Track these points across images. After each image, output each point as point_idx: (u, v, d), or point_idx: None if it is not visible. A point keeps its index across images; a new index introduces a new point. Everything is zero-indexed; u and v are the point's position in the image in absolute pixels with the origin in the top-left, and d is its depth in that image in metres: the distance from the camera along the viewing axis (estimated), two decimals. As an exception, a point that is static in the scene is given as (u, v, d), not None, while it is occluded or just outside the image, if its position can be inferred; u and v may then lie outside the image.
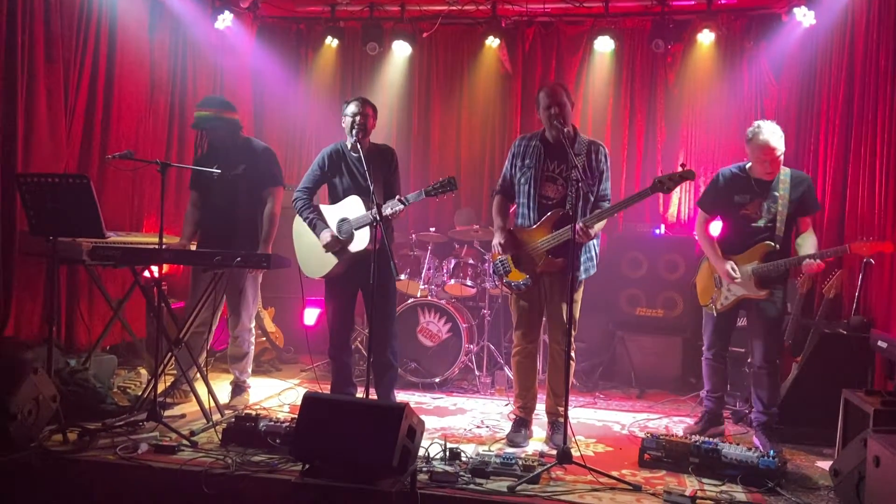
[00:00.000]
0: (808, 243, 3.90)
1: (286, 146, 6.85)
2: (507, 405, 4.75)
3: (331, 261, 4.15)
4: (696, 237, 4.25)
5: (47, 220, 3.66)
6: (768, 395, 3.99)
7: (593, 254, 4.00)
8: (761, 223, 3.96)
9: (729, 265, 3.99)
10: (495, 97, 6.68)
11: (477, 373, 5.40)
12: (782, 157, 3.92)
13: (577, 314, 3.93)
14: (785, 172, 3.96)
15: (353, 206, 4.12)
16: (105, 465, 3.30)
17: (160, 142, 5.75)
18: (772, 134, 3.87)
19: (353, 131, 4.08)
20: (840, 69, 5.20)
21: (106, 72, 5.15)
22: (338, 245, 4.10)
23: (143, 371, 5.01)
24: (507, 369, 5.32)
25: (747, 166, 4.06)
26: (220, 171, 4.18)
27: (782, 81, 5.94)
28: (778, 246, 3.90)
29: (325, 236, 4.12)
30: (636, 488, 3.21)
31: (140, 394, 4.18)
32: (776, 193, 3.93)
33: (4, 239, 4.37)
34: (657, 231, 6.07)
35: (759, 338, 3.98)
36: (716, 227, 4.27)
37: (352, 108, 4.14)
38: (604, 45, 6.29)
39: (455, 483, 3.15)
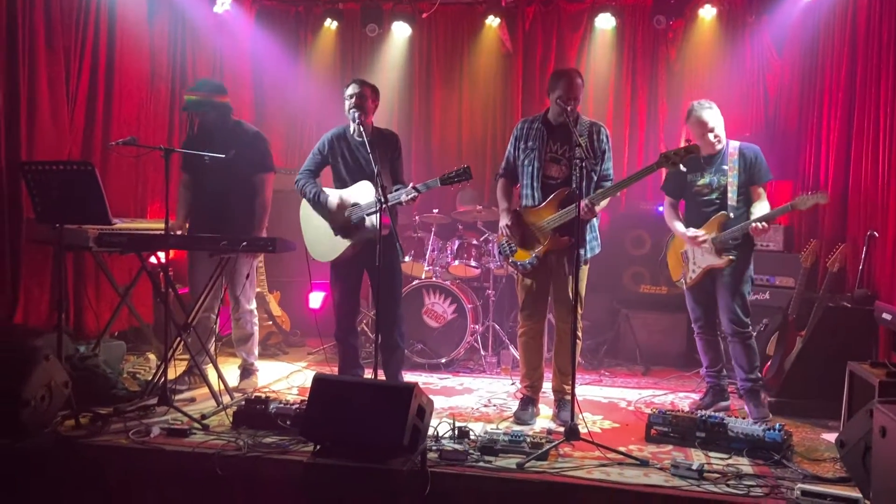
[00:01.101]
0: (757, 210, 3.99)
1: (287, 130, 6.84)
2: (513, 384, 4.79)
3: (341, 244, 4.15)
4: (666, 221, 4.36)
5: (53, 207, 3.67)
6: (746, 361, 4.06)
7: (597, 232, 4.02)
8: (713, 196, 4.08)
9: (691, 230, 4.11)
10: (496, 77, 6.66)
11: (482, 353, 5.44)
12: (719, 132, 4.06)
13: (583, 292, 3.96)
14: (733, 145, 4.10)
15: (363, 192, 4.11)
16: (118, 449, 3.34)
17: (162, 127, 5.75)
18: (705, 110, 4.06)
19: (351, 112, 4.08)
20: (843, 43, 5.17)
21: (106, 58, 5.14)
22: (344, 216, 4.11)
23: (152, 356, 5.05)
24: (512, 349, 5.36)
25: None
26: (213, 155, 4.15)
27: (785, 56, 5.91)
28: (732, 215, 4.01)
29: (333, 200, 4.15)
30: (643, 463, 3.25)
31: (150, 379, 4.21)
32: (724, 167, 4.05)
33: (11, 227, 4.39)
34: (660, 208, 6.05)
35: (724, 304, 4.07)
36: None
37: (349, 89, 4.14)
38: (605, 23, 6.26)
39: (465, 461, 3.19)
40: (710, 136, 4.05)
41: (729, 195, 4.02)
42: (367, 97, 4.14)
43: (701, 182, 4.12)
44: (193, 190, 4.54)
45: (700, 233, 4.07)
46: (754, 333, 4.15)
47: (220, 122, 4.43)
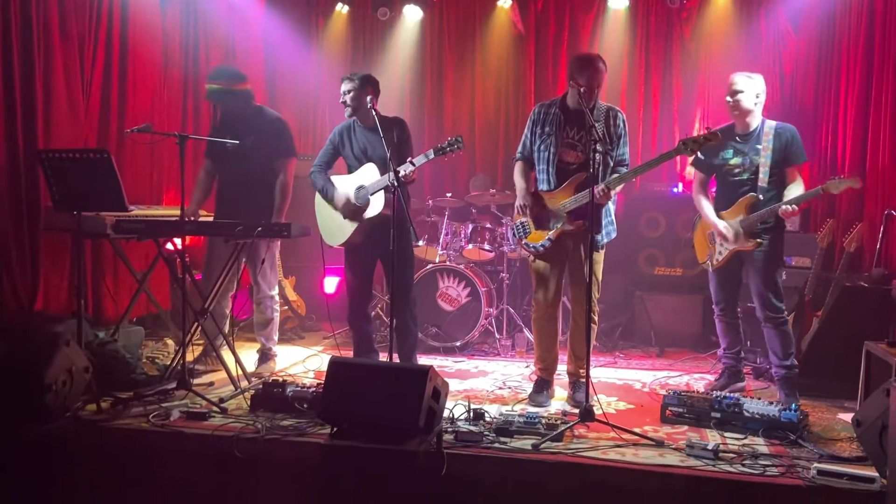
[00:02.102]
0: (791, 192, 3.88)
1: (300, 115, 6.84)
2: (527, 367, 4.81)
3: (349, 228, 4.19)
4: (693, 197, 4.26)
5: (70, 195, 3.71)
6: (780, 348, 3.96)
7: (612, 217, 4.01)
8: (744, 176, 3.98)
9: (722, 225, 4.02)
10: (508, 59, 6.62)
11: (497, 336, 5.46)
12: (755, 105, 3.94)
13: (599, 276, 3.96)
14: (769, 125, 3.97)
15: (368, 173, 4.15)
16: (139, 433, 3.39)
17: (175, 114, 5.78)
18: (739, 79, 3.94)
19: (346, 110, 4.19)
20: (860, 18, 5.10)
21: (120, 46, 5.17)
22: (350, 206, 4.15)
23: (170, 341, 5.11)
24: (526, 331, 5.37)
25: (734, 126, 4.08)
26: (237, 142, 4.21)
27: (801, 33, 5.83)
28: (762, 197, 3.90)
29: (340, 196, 4.21)
30: (659, 443, 3.26)
31: (168, 363, 4.26)
32: (758, 146, 3.94)
33: (30, 215, 4.44)
34: (675, 190, 6.04)
35: (756, 289, 4.00)
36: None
37: (341, 87, 4.23)
38: (618, 2, 6.21)
39: (480, 442, 3.21)
40: (730, 98, 3.94)
41: (760, 176, 3.91)
42: (358, 93, 4.18)
43: (733, 161, 4.01)
44: (215, 176, 4.58)
45: (729, 233, 3.97)
46: (789, 318, 4.04)
47: (241, 110, 4.47)
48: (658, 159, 3.81)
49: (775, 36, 5.96)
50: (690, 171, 6.17)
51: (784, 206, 3.80)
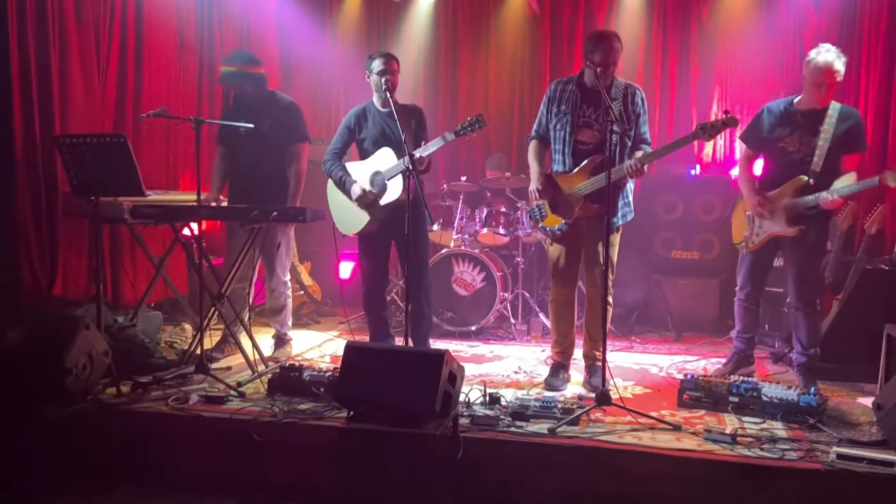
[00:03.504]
0: (841, 182, 3.71)
1: (314, 100, 6.83)
2: (543, 351, 4.80)
3: (364, 218, 4.18)
4: (737, 171, 4.15)
5: (88, 180, 3.73)
6: (807, 336, 3.92)
7: (630, 199, 3.97)
8: (798, 156, 3.82)
9: (758, 197, 3.90)
10: (523, 40, 6.56)
11: (512, 321, 5.45)
12: (839, 82, 3.75)
13: (615, 259, 3.93)
14: (834, 107, 3.79)
15: (384, 158, 4.13)
16: (159, 416, 3.43)
17: (191, 99, 5.78)
18: (830, 54, 3.71)
19: (381, 85, 4.07)
20: (883, -5, 4.99)
21: (135, 31, 5.17)
22: (369, 198, 4.12)
23: (188, 326, 5.14)
24: (542, 316, 5.36)
25: (795, 100, 3.90)
26: (251, 126, 4.21)
27: (822, 10, 5.69)
28: (812, 181, 3.75)
29: (356, 190, 4.15)
30: (676, 428, 3.24)
31: (187, 348, 4.30)
32: (819, 127, 3.76)
33: (48, 200, 4.48)
34: (692, 172, 5.97)
35: (793, 277, 3.91)
36: (758, 167, 4.17)
37: (377, 64, 4.11)
38: (634, -18, 6.11)
39: (496, 426, 3.21)
40: (824, 81, 3.68)
41: (815, 159, 3.75)
42: (396, 71, 4.14)
43: (789, 138, 3.84)
44: (229, 161, 4.58)
45: (769, 213, 3.85)
46: (819, 308, 3.95)
47: (255, 93, 4.46)
48: (673, 145, 3.74)
49: (795, 13, 5.83)
50: (708, 153, 6.15)
51: (825, 195, 3.66)
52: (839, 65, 3.70)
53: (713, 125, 3.51)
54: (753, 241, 4.01)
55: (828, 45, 3.76)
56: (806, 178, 3.77)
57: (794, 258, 3.89)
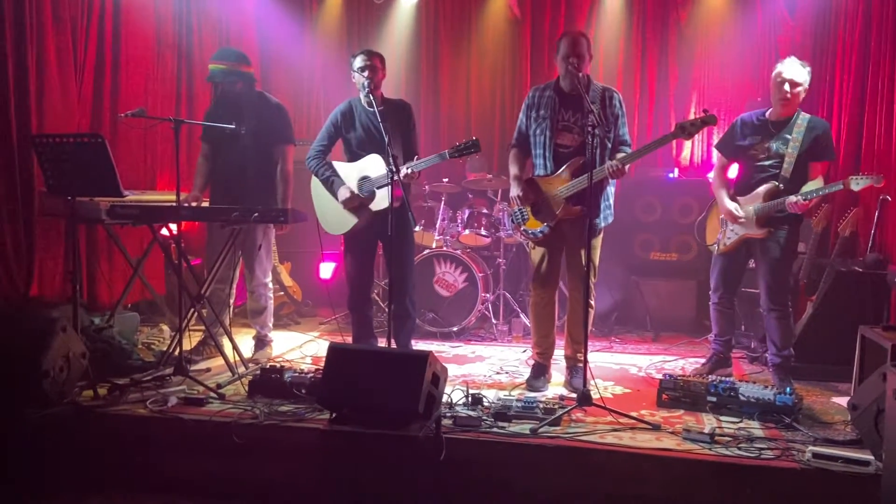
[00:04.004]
0: (809, 187, 3.83)
1: (293, 100, 6.79)
2: (524, 352, 4.82)
3: (351, 219, 4.15)
4: (711, 178, 4.23)
5: (65, 180, 3.67)
6: (780, 338, 3.98)
7: (611, 202, 4.00)
8: (768, 163, 3.93)
9: (733, 206, 3.99)
10: (504, 44, 6.60)
11: (494, 321, 5.47)
12: (801, 94, 3.87)
13: (596, 261, 3.97)
14: (803, 118, 3.90)
15: (373, 164, 4.08)
16: (137, 418, 3.39)
17: (169, 98, 5.73)
18: (792, 67, 3.85)
19: (363, 83, 4.04)
20: (857, 2, 5.09)
21: (113, 30, 5.12)
22: (356, 202, 4.10)
23: (165, 327, 5.10)
24: (523, 317, 5.38)
25: (767, 112, 4.02)
26: (233, 126, 4.18)
27: (797, 17, 5.81)
28: (782, 186, 3.85)
29: (344, 193, 4.11)
30: (656, 427, 3.28)
31: (165, 349, 4.26)
32: (788, 136, 3.88)
33: (24, 200, 4.41)
34: (671, 175, 6.04)
35: (763, 279, 3.99)
36: (734, 170, 4.24)
37: (359, 61, 4.08)
38: (614, -14, 6.16)
39: (479, 427, 3.22)
40: (788, 90, 3.82)
41: (784, 165, 3.86)
42: (378, 68, 4.10)
43: (760, 146, 3.95)
44: (213, 161, 4.54)
45: (741, 213, 3.94)
46: (792, 310, 4.02)
47: (243, 93, 4.42)
48: (653, 144, 3.78)
49: (771, 20, 5.94)
50: (686, 156, 6.23)
51: (791, 198, 3.76)
52: (801, 77, 3.84)
53: (692, 123, 3.56)
54: (725, 242, 4.09)
55: (792, 59, 3.90)
56: (777, 183, 3.87)
57: (764, 261, 3.97)
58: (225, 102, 4.47)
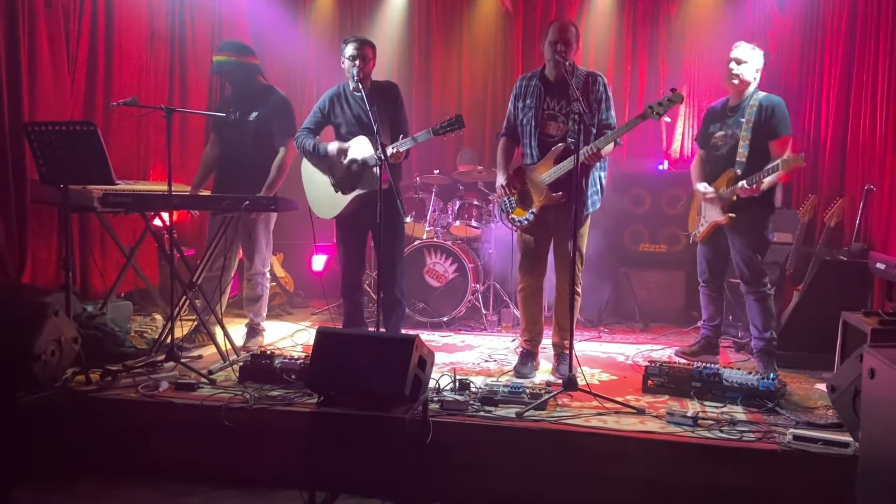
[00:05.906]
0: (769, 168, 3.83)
1: (286, 91, 6.69)
2: (513, 341, 4.87)
3: (342, 201, 4.19)
4: (691, 172, 4.33)
5: (57, 168, 3.70)
6: (760, 319, 4.03)
7: (598, 187, 4.02)
8: (724, 150, 4.01)
9: (702, 185, 4.09)
10: (496, 36, 6.63)
11: (484, 311, 5.51)
12: (750, 73, 3.93)
13: (583, 248, 4.01)
14: (756, 97, 3.94)
15: (360, 146, 4.11)
16: (128, 403, 3.43)
17: (162, 88, 5.73)
18: (738, 47, 3.95)
19: (352, 71, 4.07)
20: (843, -2, 5.15)
21: (105, 19, 5.12)
22: (344, 152, 4.10)
23: (158, 316, 5.13)
24: (513, 307, 5.42)
25: (729, 98, 4.11)
26: (231, 115, 4.20)
27: (786, 11, 5.86)
28: (739, 171, 3.90)
29: (332, 148, 4.14)
30: (640, 411, 3.32)
31: (157, 337, 4.29)
32: (741, 119, 3.93)
33: (17, 188, 4.42)
34: (660, 167, 6.09)
35: (736, 263, 4.07)
36: None
37: (349, 49, 4.10)
38: (605, -20, 6.20)
39: (465, 411, 3.27)
40: (734, 66, 3.91)
41: (739, 150, 3.90)
42: (369, 58, 4.12)
43: (718, 134, 4.04)
44: (218, 150, 4.58)
45: (710, 189, 4.03)
46: (771, 293, 4.07)
47: (249, 84, 4.45)
48: (626, 125, 3.72)
49: (761, 15, 5.99)
50: (676, 148, 6.28)
51: (741, 184, 3.81)
52: (746, 55, 3.92)
53: (659, 103, 3.59)
54: (699, 230, 4.21)
55: (741, 42, 3.99)
56: (734, 168, 3.94)
57: (733, 246, 4.06)
58: (234, 95, 4.50)
